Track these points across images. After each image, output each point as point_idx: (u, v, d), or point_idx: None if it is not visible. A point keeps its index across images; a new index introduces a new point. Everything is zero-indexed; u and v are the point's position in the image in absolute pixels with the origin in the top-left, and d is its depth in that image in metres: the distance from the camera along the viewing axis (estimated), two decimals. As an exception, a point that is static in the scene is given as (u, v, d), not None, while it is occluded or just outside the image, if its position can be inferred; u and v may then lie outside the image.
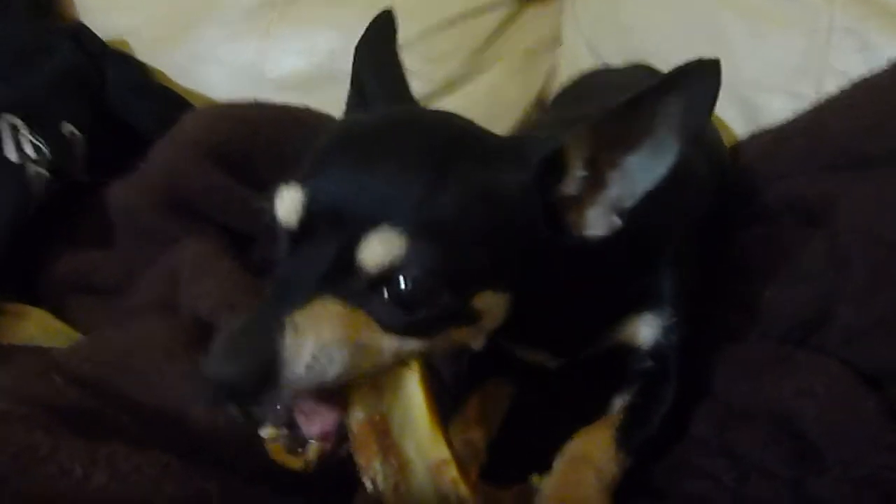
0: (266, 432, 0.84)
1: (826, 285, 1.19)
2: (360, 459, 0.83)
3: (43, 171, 1.47)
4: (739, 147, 1.53)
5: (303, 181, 0.86)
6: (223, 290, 1.14)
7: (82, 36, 1.85)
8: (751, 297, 1.26)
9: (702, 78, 0.86)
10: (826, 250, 1.22)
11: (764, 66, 1.57)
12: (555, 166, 0.91)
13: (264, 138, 1.56)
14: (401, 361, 0.86)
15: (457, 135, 0.93)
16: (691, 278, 1.19)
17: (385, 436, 0.84)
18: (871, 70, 1.41)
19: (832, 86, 1.46)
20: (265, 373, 0.76)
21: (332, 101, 1.72)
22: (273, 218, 0.87)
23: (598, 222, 0.95)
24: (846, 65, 1.48)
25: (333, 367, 0.80)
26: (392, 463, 0.83)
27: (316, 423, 0.85)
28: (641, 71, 1.65)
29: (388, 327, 0.84)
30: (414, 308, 0.83)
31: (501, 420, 1.17)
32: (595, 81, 1.71)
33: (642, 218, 0.96)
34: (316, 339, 0.79)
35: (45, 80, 1.63)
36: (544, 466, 1.04)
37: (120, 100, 1.77)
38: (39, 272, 1.47)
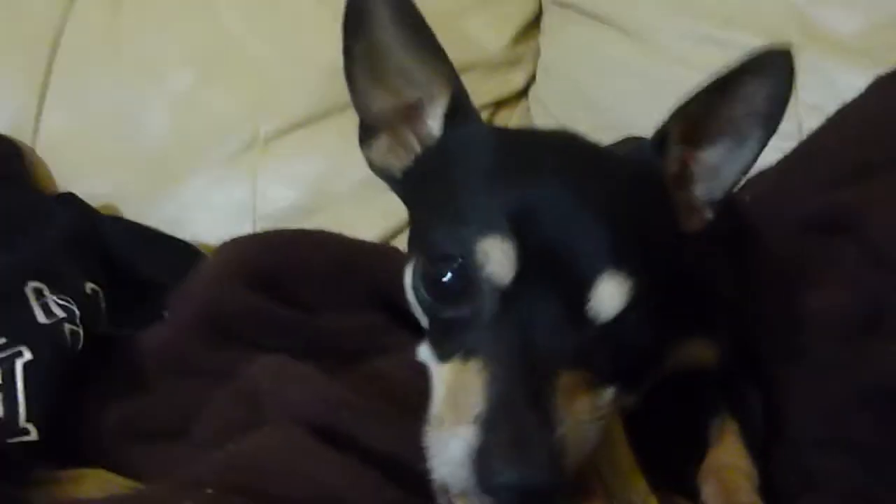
0: None
1: (870, 285, 1.26)
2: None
3: (76, 328, 1.43)
4: (742, 187, 1.63)
5: (512, 230, 0.78)
6: (317, 390, 1.12)
7: (72, 201, 1.85)
8: (797, 313, 1.31)
9: (778, 65, 0.89)
10: (858, 252, 1.30)
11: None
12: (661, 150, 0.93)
13: (289, 259, 1.57)
14: None
15: (612, 158, 0.96)
16: (733, 298, 1.24)
17: (600, 478, 0.82)
18: (839, 101, 1.55)
19: (810, 121, 1.59)
20: (558, 480, 0.72)
21: (326, 226, 1.79)
22: (471, 270, 0.79)
23: (692, 216, 0.99)
24: (817, 100, 1.62)
25: (589, 446, 0.78)
26: None
27: None
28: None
29: (611, 376, 0.81)
30: (637, 346, 0.82)
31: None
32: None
33: None
34: (579, 428, 0.75)
35: (54, 243, 1.60)
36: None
37: (125, 254, 1.75)
38: (84, 430, 1.40)
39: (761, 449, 1.11)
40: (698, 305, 1.18)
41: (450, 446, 0.75)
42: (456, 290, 0.81)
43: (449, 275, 0.81)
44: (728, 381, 1.21)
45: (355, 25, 0.93)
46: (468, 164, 0.91)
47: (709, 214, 0.99)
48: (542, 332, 0.76)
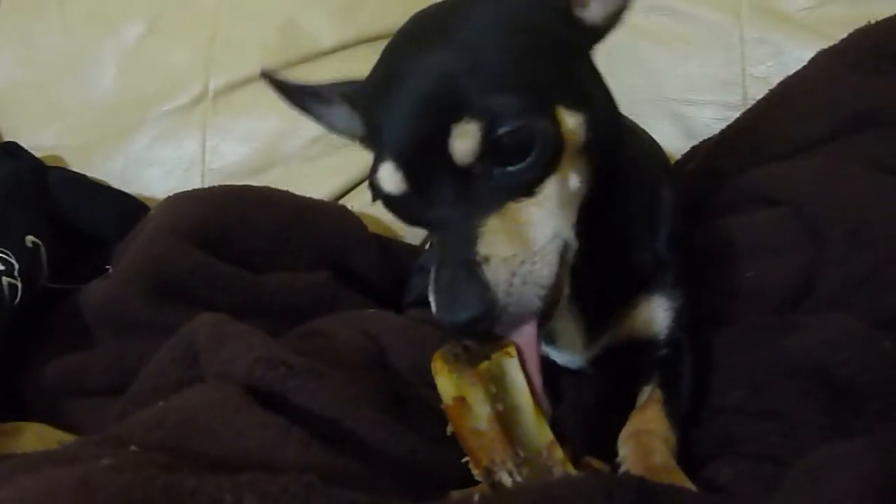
0: None
1: (803, 256, 1.28)
2: (493, 456, 0.83)
3: (14, 280, 1.42)
4: (686, 156, 1.65)
5: (386, 150, 0.93)
6: (253, 347, 1.12)
7: (15, 151, 1.82)
8: (733, 282, 1.34)
9: None
10: (795, 225, 1.32)
11: (689, 83, 1.72)
12: None
13: (234, 216, 1.57)
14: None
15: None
16: (687, 262, 1.27)
17: (504, 427, 0.84)
18: (786, 73, 1.57)
19: (756, 91, 1.61)
20: (490, 308, 0.86)
21: (278, 183, 1.78)
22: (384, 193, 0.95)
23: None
24: (764, 71, 1.64)
25: (528, 269, 0.89)
26: (518, 453, 0.84)
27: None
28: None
29: (518, 189, 0.91)
30: (525, 151, 0.90)
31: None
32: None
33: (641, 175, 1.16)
34: (503, 260, 0.88)
35: (-6, 194, 1.58)
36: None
37: (69, 207, 1.73)
38: (25, 384, 1.40)
39: (684, 417, 1.14)
40: (654, 263, 1.21)
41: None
42: (388, 199, 0.97)
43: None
44: (667, 351, 1.23)
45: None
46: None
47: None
48: (447, 197, 0.92)
